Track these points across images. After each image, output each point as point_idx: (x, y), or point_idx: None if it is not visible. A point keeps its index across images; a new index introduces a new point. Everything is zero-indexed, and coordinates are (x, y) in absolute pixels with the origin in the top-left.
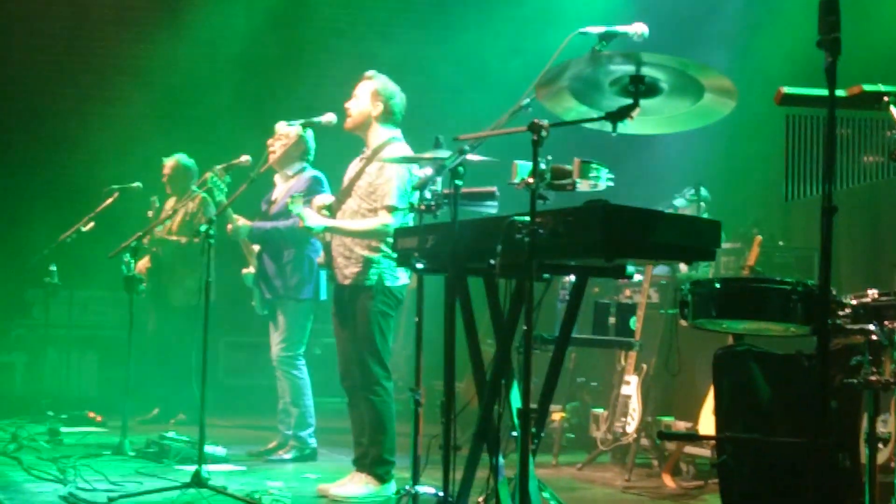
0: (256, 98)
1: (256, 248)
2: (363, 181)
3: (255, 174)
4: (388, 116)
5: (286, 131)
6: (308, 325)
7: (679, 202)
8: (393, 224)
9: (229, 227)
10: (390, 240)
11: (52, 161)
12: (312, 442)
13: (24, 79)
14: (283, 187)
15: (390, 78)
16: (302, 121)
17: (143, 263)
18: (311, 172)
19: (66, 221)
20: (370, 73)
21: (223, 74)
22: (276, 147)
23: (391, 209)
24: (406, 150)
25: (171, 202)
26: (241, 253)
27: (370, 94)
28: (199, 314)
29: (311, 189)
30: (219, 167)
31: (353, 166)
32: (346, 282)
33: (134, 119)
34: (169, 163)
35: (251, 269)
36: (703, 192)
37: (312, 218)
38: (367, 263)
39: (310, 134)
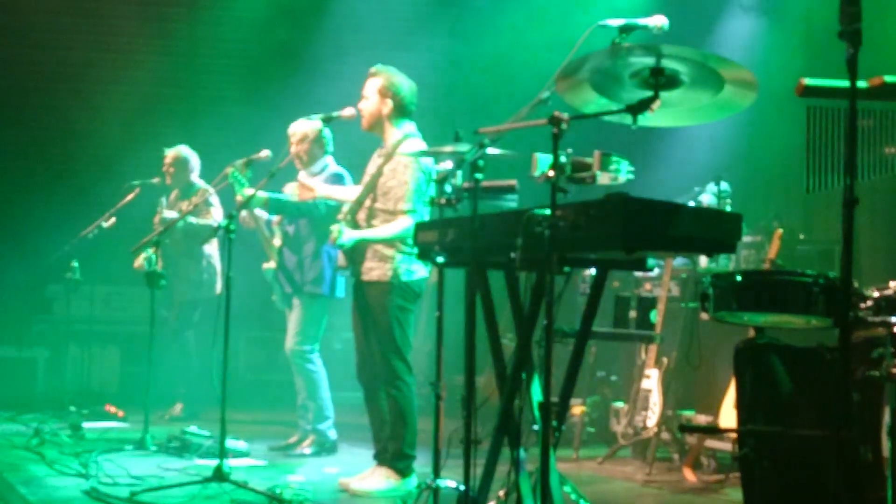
0: (273, 92)
1: (277, 242)
2: (382, 179)
3: (274, 169)
4: (399, 111)
5: (298, 130)
6: (323, 320)
7: (702, 196)
8: (413, 227)
9: (238, 198)
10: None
11: (66, 155)
12: (332, 434)
13: (35, 72)
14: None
15: (410, 73)
16: (321, 115)
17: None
18: (332, 170)
19: (83, 216)
20: (374, 69)
21: (238, 68)
22: (295, 150)
23: (409, 212)
24: (420, 147)
25: (173, 194)
26: (261, 248)
27: (377, 92)
28: (202, 307)
29: (332, 181)
30: (239, 161)
31: (373, 162)
32: (364, 277)
33: (148, 113)
34: (170, 153)
35: (271, 264)
36: (724, 185)
37: (345, 235)
38: (384, 259)
39: (326, 132)
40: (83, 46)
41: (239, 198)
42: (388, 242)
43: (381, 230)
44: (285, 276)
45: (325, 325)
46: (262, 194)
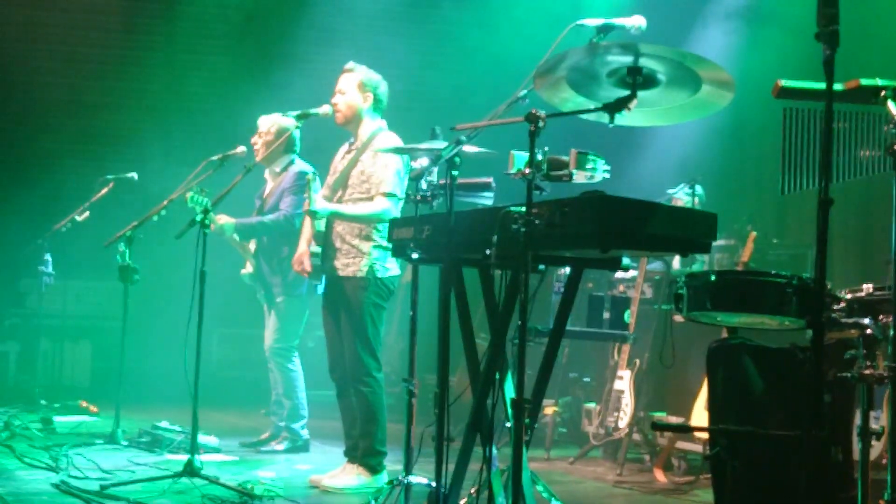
0: (247, 86)
1: (252, 246)
2: (356, 170)
3: (250, 165)
4: (376, 106)
5: (267, 126)
6: (303, 318)
7: (674, 199)
8: (391, 210)
9: (212, 226)
10: (382, 230)
11: (39, 148)
12: (305, 433)
13: (9, 63)
14: (272, 183)
15: (386, 70)
16: (297, 112)
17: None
18: (298, 167)
19: (56, 209)
20: (350, 65)
21: (216, 64)
22: (259, 144)
23: (388, 195)
24: (395, 140)
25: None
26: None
27: (356, 86)
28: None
29: (298, 185)
30: (215, 157)
31: (342, 156)
32: (339, 273)
33: (126, 107)
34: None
35: (249, 269)
36: (698, 188)
37: (319, 202)
38: (360, 254)
39: (297, 132)
40: (62, 40)
41: (212, 226)
42: (364, 238)
43: (357, 207)
44: (261, 281)
45: (305, 324)
46: (230, 221)
